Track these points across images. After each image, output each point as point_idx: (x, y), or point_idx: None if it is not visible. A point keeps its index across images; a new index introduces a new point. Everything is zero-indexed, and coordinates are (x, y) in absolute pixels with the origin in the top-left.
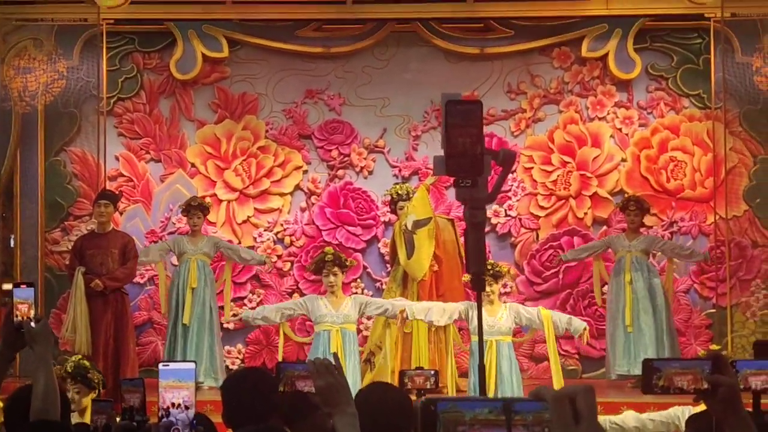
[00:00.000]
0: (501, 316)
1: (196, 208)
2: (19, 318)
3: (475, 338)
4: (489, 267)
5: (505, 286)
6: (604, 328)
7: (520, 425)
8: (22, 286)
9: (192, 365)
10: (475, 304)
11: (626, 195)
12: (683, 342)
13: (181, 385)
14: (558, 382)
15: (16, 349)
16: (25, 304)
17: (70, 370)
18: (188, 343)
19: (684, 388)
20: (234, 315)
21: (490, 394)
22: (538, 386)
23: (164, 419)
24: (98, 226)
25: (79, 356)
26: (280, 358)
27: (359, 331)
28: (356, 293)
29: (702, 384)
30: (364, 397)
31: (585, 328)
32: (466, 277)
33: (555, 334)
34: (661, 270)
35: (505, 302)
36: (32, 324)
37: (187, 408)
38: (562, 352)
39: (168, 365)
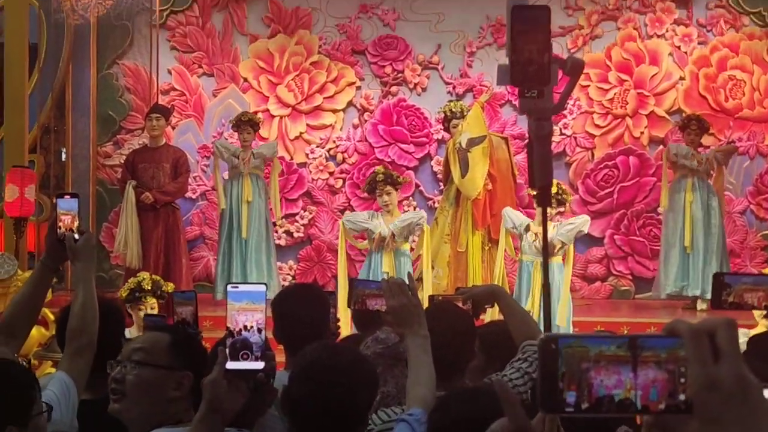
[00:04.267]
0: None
1: (246, 124)
2: (62, 230)
3: (524, 257)
4: (556, 190)
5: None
6: (659, 249)
7: (652, 362)
8: (65, 196)
9: (263, 287)
10: (530, 221)
11: (685, 114)
12: (738, 263)
13: (255, 308)
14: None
15: (59, 261)
16: (68, 215)
17: (149, 288)
18: (248, 258)
19: (755, 305)
20: None
21: (535, 316)
22: (673, 320)
23: (235, 338)
24: (150, 140)
25: (148, 273)
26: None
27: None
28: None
29: None
30: (427, 317)
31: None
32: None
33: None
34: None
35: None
36: (75, 236)
37: (260, 331)
38: (615, 273)
39: (237, 287)
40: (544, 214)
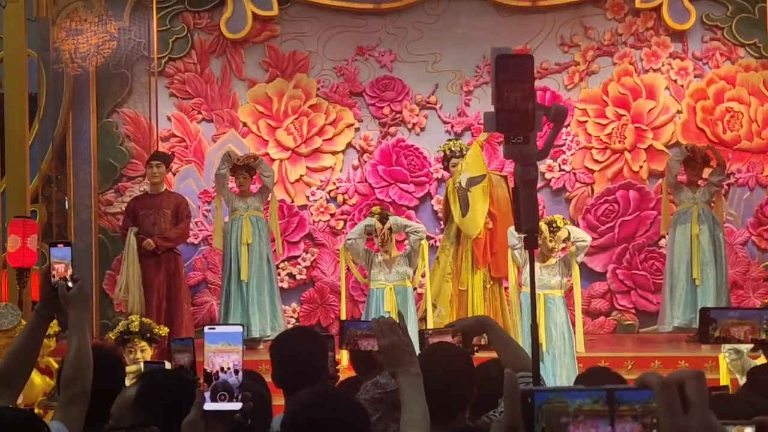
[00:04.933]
0: (551, 269)
1: (242, 168)
2: (56, 278)
3: (526, 289)
4: (561, 225)
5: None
6: (661, 283)
7: (629, 416)
8: (59, 245)
9: (239, 328)
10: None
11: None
12: (741, 295)
13: (231, 349)
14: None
15: (54, 309)
16: (61, 263)
17: (136, 330)
18: (249, 299)
19: (741, 339)
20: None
21: (544, 348)
22: (645, 373)
23: (214, 382)
24: (151, 186)
25: (138, 316)
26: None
27: (415, 288)
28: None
29: (760, 334)
30: (425, 358)
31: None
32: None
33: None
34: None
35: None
36: (69, 284)
37: (236, 372)
38: (619, 307)
39: (214, 328)
40: (531, 257)
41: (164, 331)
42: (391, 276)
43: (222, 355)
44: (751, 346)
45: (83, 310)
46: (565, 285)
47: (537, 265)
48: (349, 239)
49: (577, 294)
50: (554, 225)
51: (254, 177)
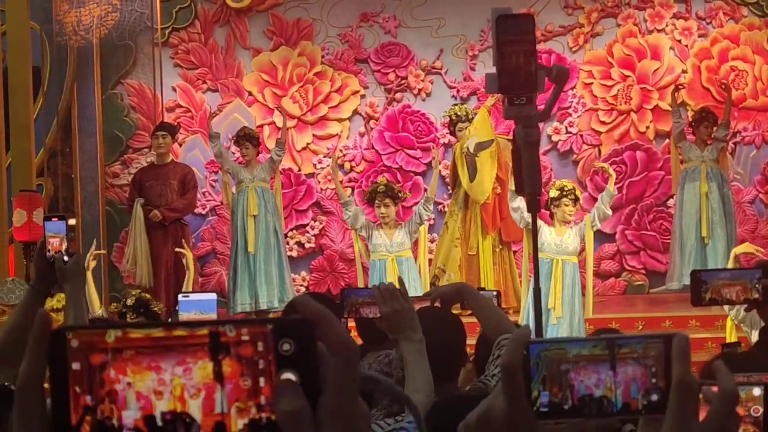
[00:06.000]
0: (569, 236)
1: (244, 138)
2: (51, 252)
3: (541, 255)
4: (571, 188)
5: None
6: (670, 243)
7: (630, 359)
8: (53, 219)
9: (213, 296)
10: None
11: (694, 109)
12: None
13: (203, 318)
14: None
15: (50, 284)
16: (56, 237)
17: (131, 303)
18: (257, 271)
19: (733, 299)
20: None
21: (556, 314)
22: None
23: None
24: (157, 157)
25: (139, 290)
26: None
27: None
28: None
29: (752, 293)
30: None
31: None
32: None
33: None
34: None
35: (576, 223)
36: (65, 258)
37: None
38: (628, 268)
39: (188, 296)
40: (534, 221)
41: (159, 307)
42: (393, 246)
43: None
44: None
45: (80, 285)
46: (578, 252)
47: (553, 231)
48: (347, 215)
49: (590, 260)
50: (566, 189)
51: (259, 147)
